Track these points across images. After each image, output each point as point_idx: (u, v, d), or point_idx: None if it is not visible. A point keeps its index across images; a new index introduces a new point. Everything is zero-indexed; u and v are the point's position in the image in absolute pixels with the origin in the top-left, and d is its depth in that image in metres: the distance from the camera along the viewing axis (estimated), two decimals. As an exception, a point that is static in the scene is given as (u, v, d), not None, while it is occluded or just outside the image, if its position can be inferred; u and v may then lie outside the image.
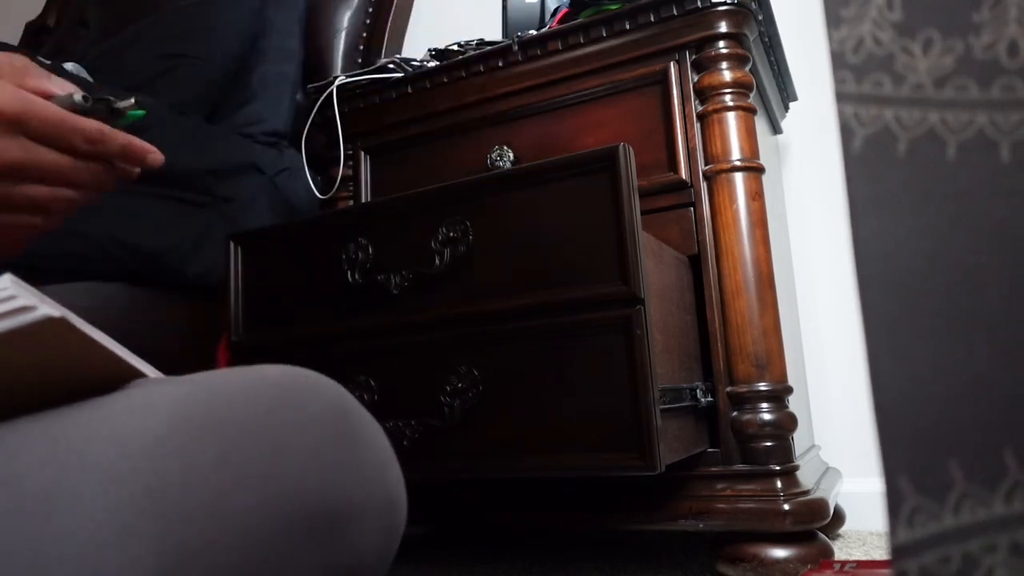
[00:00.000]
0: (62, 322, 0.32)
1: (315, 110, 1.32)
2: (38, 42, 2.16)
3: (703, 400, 0.93)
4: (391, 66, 1.29)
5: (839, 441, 1.34)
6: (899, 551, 0.21)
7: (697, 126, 1.03)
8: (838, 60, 0.23)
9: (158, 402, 0.35)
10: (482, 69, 1.19)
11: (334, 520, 0.38)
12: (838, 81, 0.23)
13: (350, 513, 0.39)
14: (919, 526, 0.21)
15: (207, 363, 1.17)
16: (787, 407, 0.95)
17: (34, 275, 0.73)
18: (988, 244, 0.20)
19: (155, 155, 0.58)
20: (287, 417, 0.38)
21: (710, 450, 0.95)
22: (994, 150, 0.20)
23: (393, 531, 0.43)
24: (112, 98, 0.56)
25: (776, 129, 1.39)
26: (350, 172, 1.30)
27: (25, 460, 0.31)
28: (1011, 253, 0.20)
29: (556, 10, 1.24)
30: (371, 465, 0.42)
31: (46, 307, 0.31)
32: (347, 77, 1.29)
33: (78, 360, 0.36)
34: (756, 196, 0.99)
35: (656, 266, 0.85)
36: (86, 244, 1.10)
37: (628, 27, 1.08)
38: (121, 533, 0.30)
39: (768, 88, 1.24)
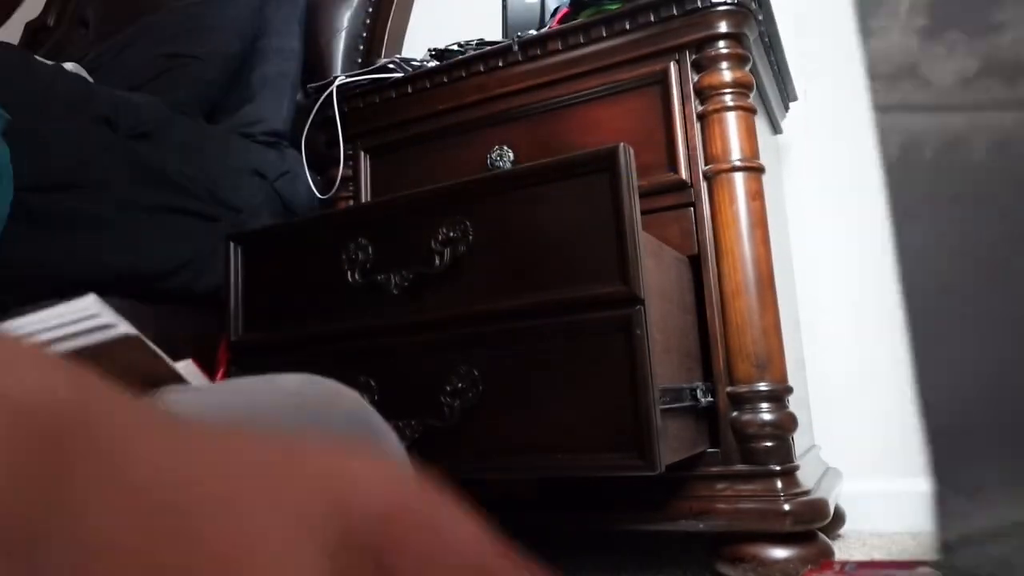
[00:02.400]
0: (137, 340, 0.36)
1: (315, 110, 1.32)
2: (38, 42, 2.16)
3: (703, 400, 0.93)
4: (391, 66, 1.28)
5: (839, 441, 1.34)
6: (937, 549, 0.21)
7: (697, 126, 1.03)
8: (871, 71, 0.23)
9: (182, 409, 0.35)
10: (482, 69, 1.19)
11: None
12: (872, 91, 0.23)
13: None
14: (953, 525, 0.21)
15: (208, 366, 1.16)
16: (787, 407, 0.95)
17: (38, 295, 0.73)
18: (1014, 243, 0.20)
19: None
20: (309, 424, 0.39)
21: (710, 450, 0.95)
22: (1022, 148, 0.20)
23: None
24: None
25: (776, 129, 1.39)
26: (350, 172, 1.30)
27: None
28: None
29: (556, 10, 1.24)
30: None
31: (124, 326, 0.35)
32: (347, 77, 1.29)
33: (143, 373, 0.38)
34: (756, 196, 0.99)
35: (656, 266, 0.85)
36: (97, 271, 1.09)
37: (628, 27, 1.08)
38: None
39: (768, 88, 1.24)
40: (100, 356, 0.35)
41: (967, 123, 0.21)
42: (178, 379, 0.41)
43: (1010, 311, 0.21)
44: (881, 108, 0.22)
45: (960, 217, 0.21)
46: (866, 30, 0.23)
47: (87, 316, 0.34)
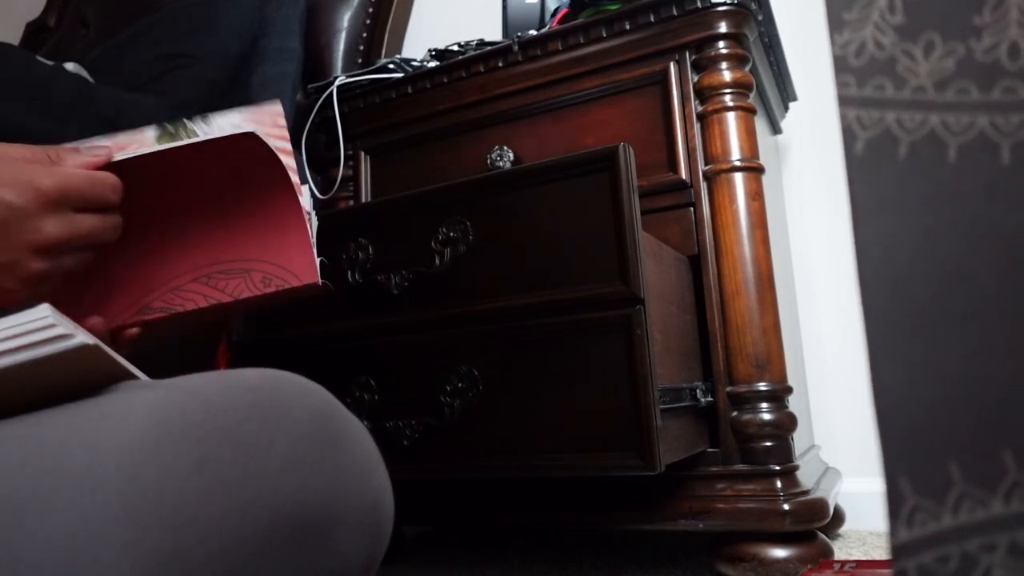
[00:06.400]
0: (95, 348, 0.35)
1: (315, 110, 1.32)
2: (38, 42, 2.16)
3: (703, 400, 0.93)
4: (391, 66, 1.29)
5: (839, 441, 1.34)
6: (898, 550, 0.21)
7: (697, 126, 1.03)
8: (841, 64, 0.23)
9: (134, 407, 0.34)
10: (482, 69, 1.19)
11: (313, 525, 0.38)
12: (841, 85, 0.23)
13: (331, 518, 0.39)
14: (918, 526, 0.21)
15: (209, 365, 1.17)
16: (787, 407, 0.96)
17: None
18: (986, 246, 0.21)
19: None
20: (266, 422, 0.38)
21: (710, 450, 0.95)
22: (995, 152, 0.20)
23: (378, 536, 0.42)
24: None
25: (776, 129, 1.39)
26: (350, 172, 1.30)
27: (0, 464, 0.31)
28: (1009, 255, 0.20)
29: (556, 10, 1.24)
30: (353, 470, 0.41)
31: (81, 335, 0.34)
32: (347, 77, 1.29)
33: (99, 378, 0.38)
34: (756, 196, 0.99)
35: (656, 266, 0.85)
36: None
37: (628, 27, 1.08)
38: (94, 540, 0.29)
39: (768, 88, 1.24)
40: (54, 364, 0.34)
41: (941, 124, 0.21)
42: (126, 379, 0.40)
43: (972, 312, 0.21)
44: (850, 101, 0.22)
45: (927, 219, 0.21)
46: (837, 22, 0.23)
47: (42, 327, 0.33)
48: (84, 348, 0.34)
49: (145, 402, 0.35)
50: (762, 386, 0.94)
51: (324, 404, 0.42)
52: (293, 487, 0.37)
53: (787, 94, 1.37)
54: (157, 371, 0.44)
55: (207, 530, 0.32)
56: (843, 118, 0.22)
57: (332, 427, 0.41)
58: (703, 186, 1.01)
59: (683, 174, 1.02)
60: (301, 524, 0.37)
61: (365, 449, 0.43)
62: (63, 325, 0.34)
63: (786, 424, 0.94)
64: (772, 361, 0.95)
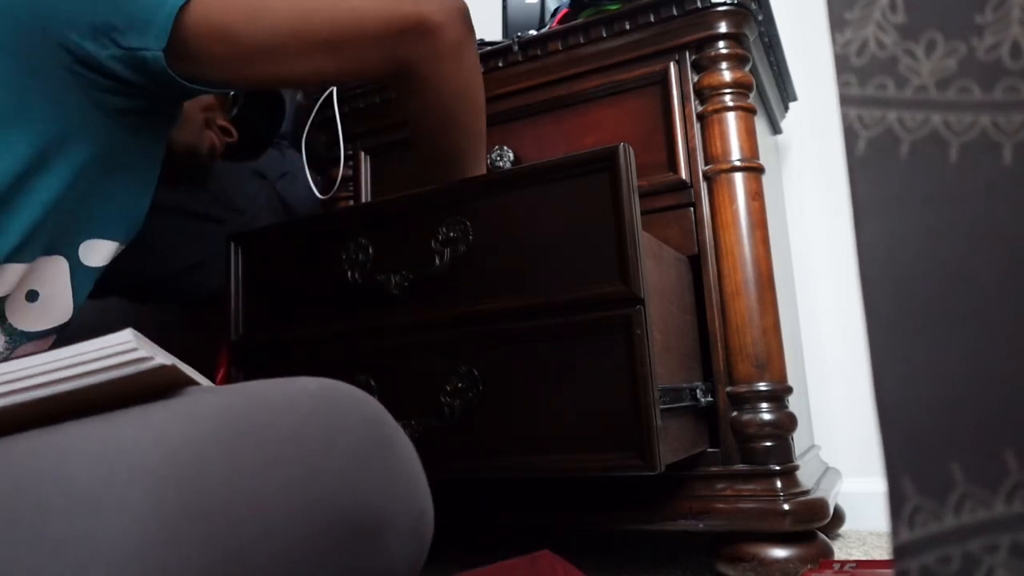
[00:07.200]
0: (172, 368, 0.38)
1: (315, 110, 1.32)
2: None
3: (703, 400, 0.93)
4: (391, 66, 1.28)
5: (839, 441, 1.34)
6: (900, 551, 0.21)
7: (697, 126, 1.03)
8: (842, 63, 0.23)
9: (203, 410, 0.36)
10: (482, 69, 1.19)
11: (369, 527, 0.39)
12: (842, 84, 0.23)
13: (383, 521, 0.40)
14: (920, 526, 0.21)
15: (208, 366, 1.17)
16: (787, 407, 0.96)
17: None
18: (987, 247, 0.21)
19: None
20: (325, 426, 0.40)
21: (710, 450, 0.95)
22: (997, 152, 0.20)
23: (423, 541, 0.45)
24: None
25: (776, 129, 1.39)
26: (350, 172, 1.30)
27: (76, 460, 0.32)
28: (1010, 256, 0.20)
29: (556, 10, 1.24)
30: (404, 477, 0.44)
31: (160, 357, 0.37)
32: (347, 77, 1.29)
33: (170, 387, 0.40)
34: (756, 196, 0.99)
35: (656, 266, 0.85)
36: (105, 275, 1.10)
37: (628, 27, 1.08)
38: (168, 533, 0.31)
39: (768, 88, 1.24)
40: (133, 379, 0.36)
41: (943, 124, 0.21)
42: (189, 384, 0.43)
43: (972, 312, 0.21)
44: (852, 101, 0.22)
45: (928, 219, 0.22)
46: (838, 21, 0.23)
47: (125, 350, 0.36)
48: (163, 368, 0.37)
49: (213, 405, 0.37)
50: (762, 386, 0.94)
51: (376, 411, 0.44)
52: (352, 489, 0.39)
53: (787, 94, 1.37)
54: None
55: (272, 528, 0.34)
56: (844, 117, 0.22)
57: (385, 435, 0.43)
58: (703, 186, 1.01)
59: (683, 174, 1.02)
60: (356, 524, 0.39)
61: (412, 456, 0.46)
62: (144, 348, 0.36)
63: (786, 424, 0.94)
64: (772, 361, 0.95)
